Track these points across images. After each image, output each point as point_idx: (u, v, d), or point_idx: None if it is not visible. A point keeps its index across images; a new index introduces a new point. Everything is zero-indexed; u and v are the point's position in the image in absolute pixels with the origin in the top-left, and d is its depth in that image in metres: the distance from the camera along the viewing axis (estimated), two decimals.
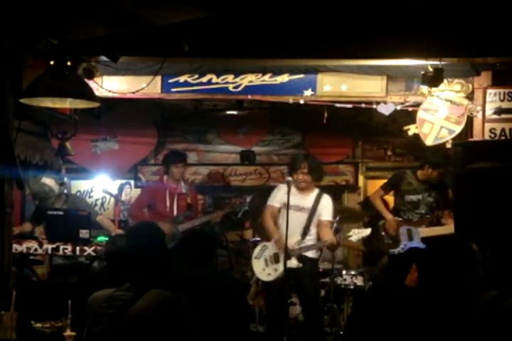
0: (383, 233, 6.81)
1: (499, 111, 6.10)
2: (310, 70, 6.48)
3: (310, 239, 6.27)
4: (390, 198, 7.24)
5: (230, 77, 6.62)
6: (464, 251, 2.56)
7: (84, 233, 6.37)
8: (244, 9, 4.83)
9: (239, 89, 6.63)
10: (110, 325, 3.18)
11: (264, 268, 6.33)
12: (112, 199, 8.43)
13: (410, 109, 6.53)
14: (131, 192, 8.73)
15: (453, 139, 6.29)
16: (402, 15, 4.98)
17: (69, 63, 4.60)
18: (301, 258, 6.19)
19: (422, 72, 5.85)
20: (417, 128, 6.53)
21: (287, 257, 5.95)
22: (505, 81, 6.17)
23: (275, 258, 6.18)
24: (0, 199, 5.09)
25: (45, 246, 6.38)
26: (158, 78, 6.50)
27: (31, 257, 6.53)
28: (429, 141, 6.42)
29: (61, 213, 6.66)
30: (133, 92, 6.23)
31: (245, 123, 8.93)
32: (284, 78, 6.59)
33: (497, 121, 6.15)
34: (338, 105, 6.67)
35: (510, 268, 4.18)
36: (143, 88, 6.07)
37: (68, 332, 3.69)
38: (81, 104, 4.91)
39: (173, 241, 6.68)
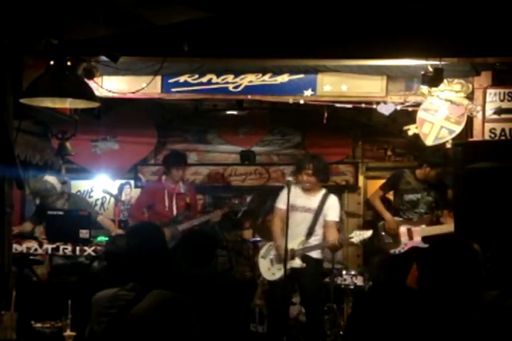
0: (383, 233, 6.82)
1: (499, 111, 6.10)
2: (310, 70, 6.48)
3: (315, 240, 6.29)
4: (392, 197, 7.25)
5: (230, 77, 6.62)
6: (466, 251, 2.56)
7: (84, 233, 6.37)
8: (244, 9, 4.83)
9: (239, 89, 6.63)
10: (112, 325, 3.18)
11: (269, 268, 6.38)
12: (112, 199, 8.43)
13: (410, 109, 6.53)
14: (131, 192, 8.73)
15: (453, 139, 6.29)
16: (402, 15, 4.98)
17: (69, 63, 4.60)
18: (305, 259, 6.20)
19: (422, 72, 5.85)
20: (417, 128, 6.53)
21: (287, 258, 5.97)
22: (505, 81, 6.17)
23: (280, 258, 6.18)
24: (0, 199, 5.09)
25: (45, 246, 6.38)
26: (158, 78, 6.50)
27: (31, 257, 6.53)
28: (429, 141, 6.42)
29: (61, 213, 6.66)
30: (133, 92, 6.23)
31: (245, 123, 8.92)
32: (284, 78, 6.59)
33: (497, 121, 6.14)
34: (338, 105, 6.66)
35: (510, 268, 4.19)
36: (143, 88, 6.07)
37: (68, 332, 3.69)
38: (81, 104, 4.91)
39: (172, 241, 6.69)
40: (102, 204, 8.89)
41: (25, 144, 5.54)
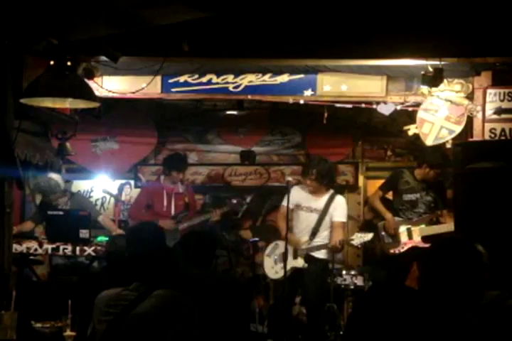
0: (383, 233, 6.82)
1: (499, 111, 6.09)
2: (310, 70, 6.48)
3: (319, 240, 6.30)
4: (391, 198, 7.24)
5: (230, 77, 6.62)
6: (472, 254, 2.54)
7: (84, 233, 6.38)
8: (244, 9, 4.83)
9: (239, 89, 6.63)
10: (114, 325, 3.19)
11: (273, 266, 6.42)
12: (112, 199, 8.43)
13: (410, 109, 6.53)
14: (131, 192, 8.72)
15: (453, 139, 6.29)
16: (402, 15, 4.98)
17: (69, 63, 4.59)
18: (308, 259, 6.21)
19: (422, 72, 5.85)
20: (417, 128, 6.53)
21: (286, 258, 5.98)
22: (505, 81, 6.16)
23: (283, 257, 6.19)
24: (0, 199, 5.09)
25: (45, 246, 6.38)
26: (158, 78, 6.50)
27: (31, 257, 6.54)
28: (429, 141, 6.41)
29: (61, 213, 6.67)
30: (133, 92, 6.23)
31: (245, 123, 8.92)
32: (284, 78, 6.58)
33: (497, 121, 6.14)
34: (338, 105, 6.66)
35: (510, 268, 4.19)
36: (143, 88, 6.08)
37: (68, 332, 3.69)
38: (81, 104, 4.91)
39: (173, 240, 6.69)
40: (102, 204, 8.89)
41: (25, 144, 5.52)
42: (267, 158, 8.98)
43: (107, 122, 8.07)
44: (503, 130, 6.10)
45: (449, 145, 6.31)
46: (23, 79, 5.28)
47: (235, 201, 7.68)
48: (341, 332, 6.34)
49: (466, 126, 6.29)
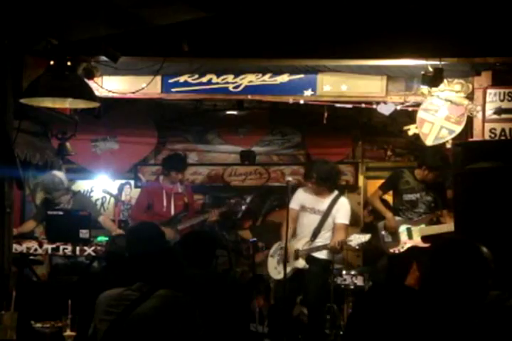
0: (383, 232, 6.81)
1: (499, 111, 6.09)
2: (310, 70, 6.48)
3: (320, 241, 6.30)
4: (391, 198, 7.23)
5: (230, 77, 6.62)
6: (477, 257, 2.54)
7: (84, 233, 6.38)
8: (244, 9, 4.83)
9: (239, 89, 6.63)
10: (116, 324, 3.19)
11: (275, 267, 6.43)
12: (112, 199, 8.43)
13: (410, 109, 6.53)
14: (131, 192, 8.72)
15: (453, 139, 6.29)
16: (402, 15, 4.98)
17: (69, 63, 4.59)
18: (309, 259, 6.21)
19: (422, 72, 5.85)
20: (417, 128, 6.53)
21: (286, 258, 5.99)
22: (505, 81, 6.16)
23: (284, 258, 6.19)
24: (0, 199, 5.09)
25: (45, 246, 6.38)
26: (158, 78, 6.50)
27: (31, 257, 6.54)
28: (429, 141, 6.41)
29: (61, 213, 6.67)
30: (133, 92, 6.24)
31: (245, 123, 8.92)
32: (284, 78, 6.59)
33: (497, 121, 6.14)
34: (338, 105, 6.67)
35: (511, 268, 4.18)
36: (143, 88, 6.08)
37: (68, 332, 3.69)
38: (81, 104, 4.91)
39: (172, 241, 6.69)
40: (102, 204, 8.89)
41: (25, 144, 5.52)
42: (266, 158, 8.98)
43: (107, 122, 8.08)
44: (503, 130, 6.10)
45: (449, 145, 6.31)
46: (23, 79, 5.28)
47: (234, 201, 7.68)
48: (341, 332, 6.34)
49: (466, 126, 6.29)
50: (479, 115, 6.18)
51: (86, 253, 6.36)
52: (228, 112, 8.88)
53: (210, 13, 4.65)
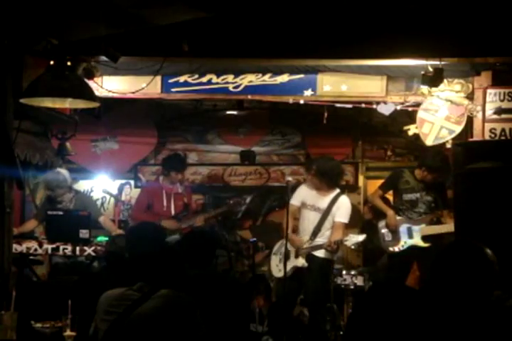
0: (383, 231, 6.81)
1: (499, 111, 6.09)
2: (310, 70, 6.48)
3: (321, 240, 6.29)
4: (391, 198, 7.24)
5: (230, 77, 6.62)
6: (482, 260, 2.53)
7: (84, 233, 6.38)
8: (245, 9, 4.83)
9: (239, 89, 6.63)
10: (116, 324, 3.19)
11: (277, 264, 6.44)
12: (112, 199, 8.44)
13: (410, 109, 6.53)
14: (131, 192, 8.73)
15: (453, 139, 6.29)
16: (402, 15, 4.98)
17: (69, 63, 4.60)
18: (309, 258, 6.21)
19: (422, 72, 5.85)
20: (417, 128, 6.53)
21: (286, 257, 6.00)
22: (505, 81, 6.16)
23: (287, 255, 6.19)
24: (0, 199, 5.09)
25: (45, 246, 6.38)
26: (158, 78, 6.50)
27: (31, 257, 6.53)
28: (429, 141, 6.41)
29: (61, 213, 6.67)
30: (133, 92, 6.23)
31: (245, 123, 8.92)
32: (284, 78, 6.59)
33: (497, 121, 6.14)
34: (338, 105, 6.66)
35: (511, 268, 4.19)
36: (143, 88, 6.08)
37: (68, 332, 3.69)
38: (81, 104, 4.91)
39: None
40: (102, 204, 8.88)
41: (25, 144, 5.53)
42: (266, 158, 8.98)
43: (107, 122, 8.07)
44: (503, 130, 6.10)
45: (449, 145, 6.31)
46: (23, 79, 5.28)
47: (234, 201, 7.68)
48: (341, 332, 6.34)
49: (466, 126, 6.29)
50: (479, 115, 6.18)
51: (86, 253, 6.36)
52: (228, 112, 8.88)
53: (210, 14, 4.65)
